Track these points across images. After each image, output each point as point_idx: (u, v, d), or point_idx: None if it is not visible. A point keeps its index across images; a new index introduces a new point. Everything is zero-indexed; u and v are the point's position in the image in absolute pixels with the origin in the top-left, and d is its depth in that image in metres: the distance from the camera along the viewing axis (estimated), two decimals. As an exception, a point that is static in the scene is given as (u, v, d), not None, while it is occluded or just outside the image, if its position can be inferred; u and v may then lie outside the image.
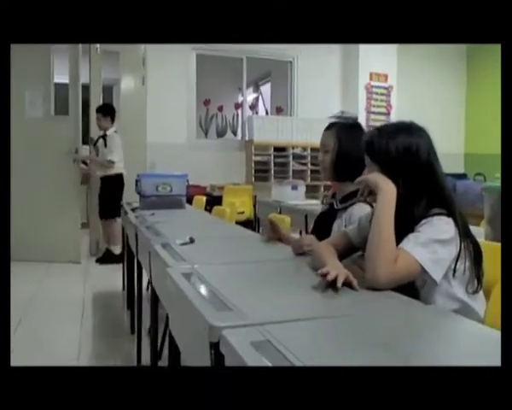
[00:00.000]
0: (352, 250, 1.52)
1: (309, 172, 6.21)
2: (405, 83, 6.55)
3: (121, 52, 5.82)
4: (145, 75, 5.87)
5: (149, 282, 3.72)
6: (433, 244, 1.23)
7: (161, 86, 5.91)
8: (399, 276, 1.20)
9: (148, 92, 5.87)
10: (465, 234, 1.29)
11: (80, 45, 5.51)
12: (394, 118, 6.31)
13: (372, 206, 1.80)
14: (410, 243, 1.22)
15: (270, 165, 6.15)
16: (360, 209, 1.80)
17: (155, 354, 2.21)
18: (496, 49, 6.78)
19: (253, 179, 6.08)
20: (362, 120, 6.23)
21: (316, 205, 4.05)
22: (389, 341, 0.92)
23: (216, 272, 1.42)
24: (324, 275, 1.18)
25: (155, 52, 5.83)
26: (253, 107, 6.82)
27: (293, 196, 4.33)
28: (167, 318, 2.45)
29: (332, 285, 1.17)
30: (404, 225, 1.28)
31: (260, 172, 6.16)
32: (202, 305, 1.08)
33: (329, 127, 2.03)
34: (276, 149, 6.14)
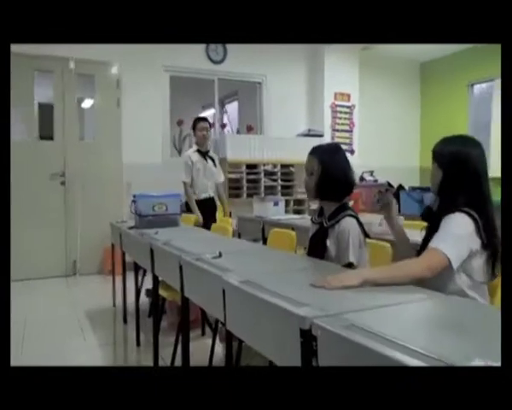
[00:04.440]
0: None
1: (279, 187, 6.53)
2: (366, 102, 7.06)
3: (96, 74, 5.94)
4: (120, 97, 6.02)
5: (149, 294, 3.88)
6: (457, 240, 1.57)
7: (136, 108, 6.07)
8: (433, 270, 1.52)
9: (123, 114, 6.02)
10: (489, 235, 1.62)
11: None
12: (356, 135, 6.78)
13: (357, 218, 2.09)
14: (438, 241, 1.56)
15: (242, 181, 6.41)
16: (347, 224, 2.05)
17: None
18: (445, 67, 7.48)
19: (227, 196, 6.32)
20: (328, 138, 6.65)
21: (296, 219, 4.36)
22: (451, 324, 1.23)
23: (266, 279, 1.65)
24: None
25: (129, 74, 5.99)
26: (224, 126, 7.08)
27: (275, 211, 4.60)
28: (179, 328, 2.68)
29: None
30: (442, 206, 1.70)
31: (233, 189, 6.41)
32: (283, 303, 1.33)
33: (313, 151, 2.20)
34: (248, 166, 6.42)
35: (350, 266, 1.96)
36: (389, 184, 4.29)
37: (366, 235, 2.10)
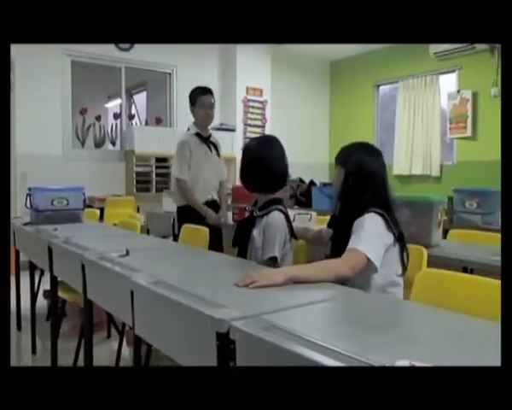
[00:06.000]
0: None
1: (191, 181, 6.39)
2: (278, 97, 7.11)
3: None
4: (13, 80, 5.48)
5: (47, 296, 3.56)
6: (373, 239, 1.60)
7: (32, 93, 5.57)
8: (355, 269, 1.54)
9: (17, 99, 5.49)
10: (398, 233, 1.68)
11: None
12: (268, 130, 6.81)
13: (287, 215, 2.09)
14: (356, 242, 1.57)
15: (151, 175, 6.18)
16: (275, 217, 2.04)
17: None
18: (353, 67, 7.78)
19: (135, 190, 6.06)
20: (240, 132, 6.62)
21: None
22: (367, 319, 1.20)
23: (179, 279, 1.54)
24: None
25: (25, 56, 5.46)
26: (132, 117, 6.75)
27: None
28: (82, 330, 2.47)
29: None
30: (350, 208, 1.73)
31: (142, 183, 6.16)
32: (197, 305, 1.23)
33: (248, 143, 2.26)
34: (158, 159, 6.20)
35: (274, 260, 1.94)
36: (301, 180, 4.34)
37: (293, 235, 2.08)
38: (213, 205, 3.35)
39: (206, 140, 3.36)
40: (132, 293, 1.54)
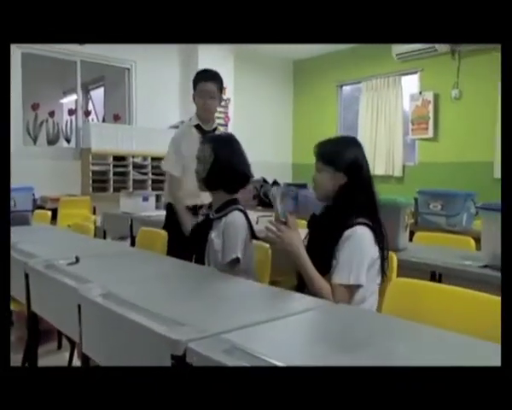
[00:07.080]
0: None
1: (150, 181, 6.18)
2: (241, 96, 6.98)
3: None
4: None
5: None
6: (356, 259, 1.52)
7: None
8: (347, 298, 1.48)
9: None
10: (382, 242, 1.60)
11: None
12: (231, 129, 6.68)
13: (246, 214, 1.99)
14: (347, 275, 1.50)
15: (109, 174, 5.94)
16: (235, 217, 1.95)
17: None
18: (316, 67, 7.74)
19: (91, 190, 5.80)
20: (201, 131, 6.44)
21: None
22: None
23: (133, 291, 1.41)
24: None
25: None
26: (88, 113, 6.47)
27: (144, 207, 4.29)
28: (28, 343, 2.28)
29: None
30: (339, 213, 1.61)
31: (98, 183, 5.90)
32: (151, 323, 1.09)
33: (206, 140, 2.12)
34: (116, 158, 5.97)
35: (236, 261, 1.84)
36: (264, 180, 4.24)
37: (253, 235, 1.98)
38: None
39: (206, 134, 2.71)
40: (80, 307, 1.39)
